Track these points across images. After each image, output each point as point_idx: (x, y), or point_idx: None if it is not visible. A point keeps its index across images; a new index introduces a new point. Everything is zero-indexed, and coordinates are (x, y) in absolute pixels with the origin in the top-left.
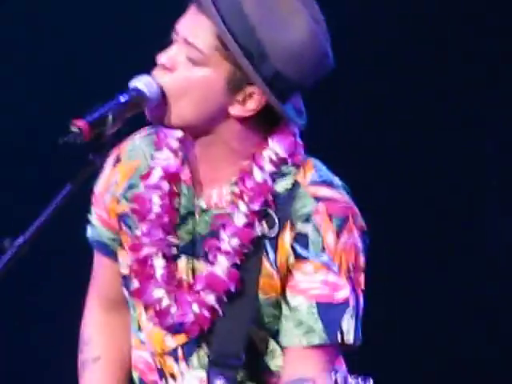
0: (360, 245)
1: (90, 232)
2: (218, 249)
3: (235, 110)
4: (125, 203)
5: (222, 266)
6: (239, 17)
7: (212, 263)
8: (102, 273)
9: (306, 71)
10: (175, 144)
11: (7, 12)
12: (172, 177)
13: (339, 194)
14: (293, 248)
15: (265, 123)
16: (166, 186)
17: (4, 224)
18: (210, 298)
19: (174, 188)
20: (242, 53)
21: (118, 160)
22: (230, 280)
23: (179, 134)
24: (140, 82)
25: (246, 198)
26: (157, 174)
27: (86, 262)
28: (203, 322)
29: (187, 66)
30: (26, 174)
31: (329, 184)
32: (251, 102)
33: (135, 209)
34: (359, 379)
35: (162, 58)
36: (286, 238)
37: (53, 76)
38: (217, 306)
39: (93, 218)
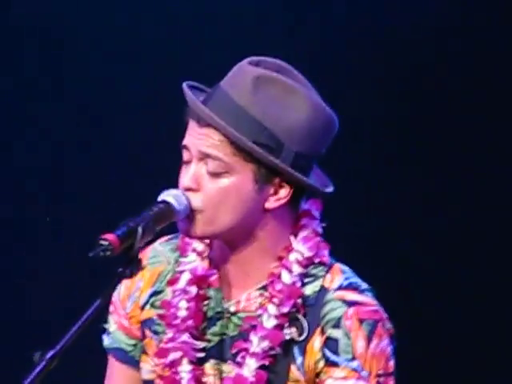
0: (389, 349)
1: (106, 341)
2: (247, 350)
3: (270, 203)
4: (150, 309)
5: (250, 368)
6: (245, 118)
7: (240, 365)
8: (119, 380)
9: (318, 141)
10: (201, 247)
11: None
12: (200, 280)
13: (367, 298)
14: (323, 353)
15: (292, 213)
16: (193, 289)
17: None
18: None
19: (202, 291)
20: (261, 150)
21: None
22: (258, 382)
23: (200, 247)
24: (169, 196)
25: (275, 301)
26: (184, 278)
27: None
28: None
29: (212, 179)
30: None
31: (356, 288)
32: (283, 190)
33: (162, 315)
34: None
35: (185, 181)
36: (316, 343)
37: None
38: None
39: (111, 326)
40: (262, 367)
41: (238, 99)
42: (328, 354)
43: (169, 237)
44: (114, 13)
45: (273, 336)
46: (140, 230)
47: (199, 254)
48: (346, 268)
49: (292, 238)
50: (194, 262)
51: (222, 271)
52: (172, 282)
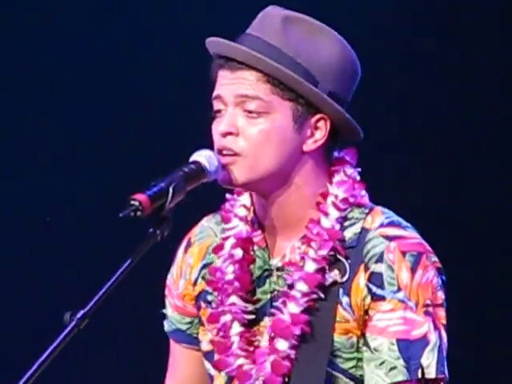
0: (436, 280)
1: (166, 326)
2: (287, 296)
3: (308, 145)
4: (201, 282)
5: (288, 312)
6: (279, 56)
7: (281, 310)
8: (181, 363)
9: (348, 83)
10: (243, 211)
11: None
12: (244, 242)
13: (409, 232)
14: (368, 288)
15: (327, 159)
16: (238, 252)
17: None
18: (282, 345)
19: (248, 253)
20: (301, 80)
21: (189, 244)
22: (298, 325)
23: (246, 201)
24: (200, 156)
25: (313, 245)
26: (229, 243)
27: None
28: (281, 370)
29: (252, 121)
30: (87, 244)
31: (397, 224)
32: (319, 131)
33: (210, 280)
34: None
35: (222, 126)
36: (361, 280)
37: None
38: (290, 353)
39: (168, 309)
40: (304, 311)
41: (269, 39)
42: (373, 288)
43: (213, 213)
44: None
45: (312, 279)
46: (171, 190)
47: (241, 218)
48: (386, 210)
49: (328, 183)
50: (238, 226)
51: (266, 230)
52: (217, 248)
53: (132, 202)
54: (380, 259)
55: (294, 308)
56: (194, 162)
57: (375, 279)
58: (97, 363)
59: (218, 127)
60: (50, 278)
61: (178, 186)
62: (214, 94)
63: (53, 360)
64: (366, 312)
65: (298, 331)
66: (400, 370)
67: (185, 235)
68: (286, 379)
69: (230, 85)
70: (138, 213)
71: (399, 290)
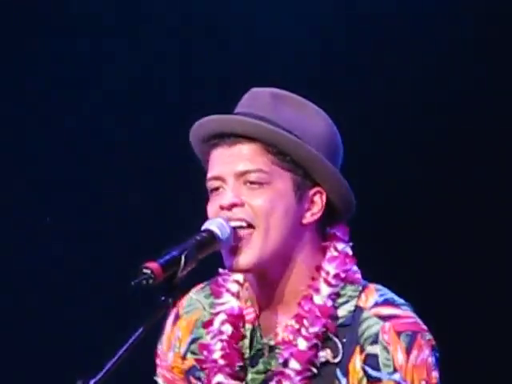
0: (431, 360)
1: None
2: (282, 374)
3: (306, 218)
4: (191, 357)
5: None
6: (276, 126)
7: None
8: None
9: (337, 155)
10: (235, 287)
11: None
12: (235, 319)
13: (403, 311)
14: (364, 371)
15: (321, 235)
16: (228, 329)
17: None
18: None
19: (239, 330)
20: (303, 144)
21: (177, 317)
22: None
23: (239, 277)
24: (212, 225)
25: (305, 322)
26: (219, 319)
27: None
28: None
29: (255, 192)
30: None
31: (391, 303)
32: (316, 205)
33: (199, 359)
34: None
35: (226, 199)
36: (357, 362)
37: None
38: None
39: (159, 379)
40: None
41: (263, 114)
42: (369, 370)
43: (201, 285)
44: None
45: (303, 357)
46: (183, 258)
47: (233, 294)
48: (380, 287)
49: (321, 259)
50: (229, 302)
51: (259, 307)
52: (207, 324)
53: (144, 271)
54: (375, 341)
55: None
56: (206, 231)
57: (371, 361)
58: None
59: (220, 201)
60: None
61: (190, 255)
62: (211, 175)
63: None
64: None
65: None
66: None
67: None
68: None
69: (229, 163)
70: (150, 281)
71: (395, 371)
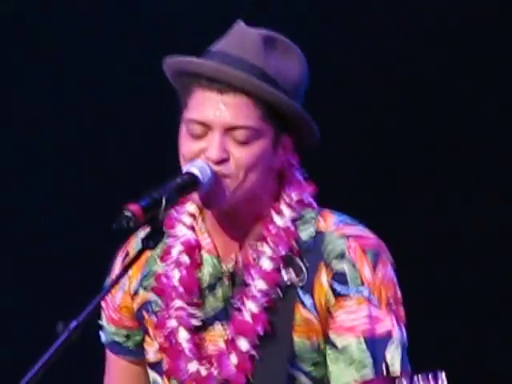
0: (394, 277)
1: (102, 336)
2: (245, 294)
3: (277, 163)
4: (143, 293)
5: (249, 311)
6: (265, 79)
7: (240, 310)
8: (118, 373)
9: (304, 95)
10: (189, 219)
11: None
12: (192, 249)
13: (365, 231)
14: (332, 287)
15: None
16: (186, 259)
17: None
18: (244, 344)
19: (195, 259)
20: (293, 103)
21: (127, 256)
22: (258, 323)
23: (191, 208)
24: (194, 167)
25: (271, 243)
26: (176, 249)
27: None
28: (245, 368)
29: (242, 147)
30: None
31: (351, 223)
32: (287, 150)
33: (156, 287)
34: (429, 375)
35: (213, 152)
36: (323, 279)
37: None
38: (252, 351)
39: (104, 321)
40: (263, 310)
41: (255, 62)
42: (337, 287)
43: None
44: None
45: (270, 277)
46: (164, 200)
47: (188, 226)
48: (335, 211)
49: (279, 185)
50: (184, 233)
51: (217, 236)
52: (164, 255)
53: (125, 213)
54: (341, 257)
55: (254, 307)
56: (188, 173)
57: (339, 278)
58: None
59: (205, 150)
60: (43, 286)
61: (171, 197)
62: (197, 117)
63: (45, 371)
64: (330, 312)
65: (259, 330)
66: (370, 368)
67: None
68: (249, 378)
69: (218, 111)
70: (131, 223)
71: (362, 286)
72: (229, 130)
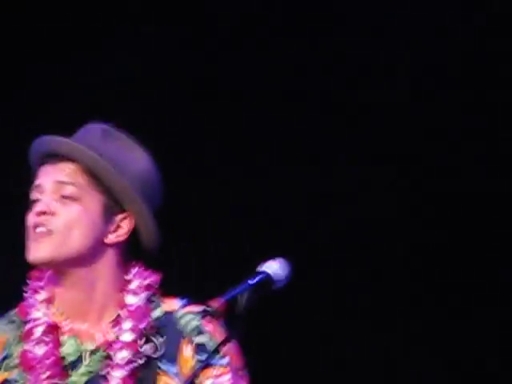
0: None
1: None
2: (110, 365)
3: (109, 238)
4: (3, 373)
5: (116, 378)
6: (101, 156)
7: (107, 379)
8: None
9: (154, 195)
10: (43, 307)
11: None
12: (53, 329)
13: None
14: (196, 359)
15: (126, 259)
16: (49, 337)
17: None
18: None
19: (57, 339)
20: (116, 173)
21: None
22: None
23: (43, 296)
24: (268, 268)
25: (130, 319)
26: (39, 329)
27: None
28: None
29: (66, 205)
30: None
31: (192, 303)
32: (122, 229)
33: (23, 363)
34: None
35: (39, 207)
36: (187, 351)
37: None
38: None
39: None
40: (128, 377)
41: (91, 145)
42: (201, 358)
43: (5, 314)
44: None
45: (131, 347)
46: (245, 297)
47: (45, 313)
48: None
49: (128, 276)
50: (44, 314)
51: (74, 318)
52: (26, 335)
53: (210, 306)
54: (200, 332)
55: (119, 374)
56: (263, 272)
57: (201, 349)
58: None
59: (34, 209)
60: None
61: (249, 294)
62: (34, 184)
63: None
64: (197, 378)
65: None
66: None
67: None
68: None
69: (50, 173)
70: (216, 314)
71: (223, 356)
72: (57, 189)
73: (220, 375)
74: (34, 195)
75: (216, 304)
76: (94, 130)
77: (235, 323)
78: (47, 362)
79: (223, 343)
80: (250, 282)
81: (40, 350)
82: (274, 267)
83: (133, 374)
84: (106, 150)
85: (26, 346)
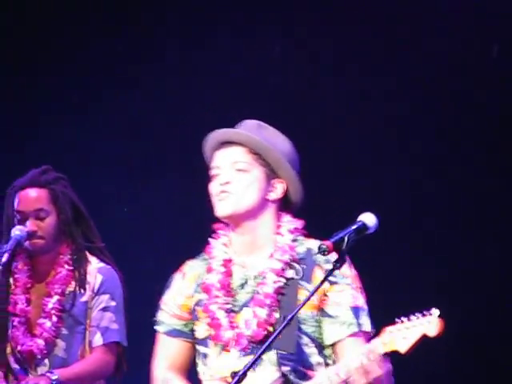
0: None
1: (161, 327)
2: (262, 283)
3: (271, 196)
4: (198, 295)
5: (263, 292)
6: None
7: (258, 293)
8: (174, 350)
9: (295, 164)
10: (223, 248)
11: None
12: (226, 263)
13: None
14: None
15: (279, 212)
16: (222, 269)
17: None
18: (261, 312)
19: (229, 269)
20: (273, 149)
21: (184, 275)
22: (269, 298)
23: (224, 240)
24: (363, 218)
25: (279, 252)
26: (215, 264)
27: None
28: (263, 327)
29: (240, 175)
30: None
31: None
32: (277, 190)
33: (204, 286)
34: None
35: (222, 178)
36: (319, 274)
37: None
38: (268, 318)
39: (163, 316)
40: (273, 292)
41: (253, 133)
42: (330, 278)
43: (195, 257)
44: None
45: (277, 271)
46: (346, 238)
47: (224, 244)
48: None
49: (279, 222)
50: (220, 253)
51: (243, 255)
52: (209, 268)
53: (322, 246)
54: (327, 261)
55: (267, 289)
56: (360, 221)
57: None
58: None
59: (217, 181)
60: None
61: (350, 236)
62: (213, 164)
63: None
64: (325, 294)
65: (269, 302)
66: (355, 324)
67: (177, 270)
68: (268, 336)
69: (226, 155)
70: (326, 252)
71: (346, 277)
72: (232, 165)
73: (343, 290)
74: (213, 171)
75: (327, 243)
76: (250, 123)
77: (340, 257)
78: (219, 285)
79: (340, 264)
80: (351, 227)
81: (215, 278)
82: (368, 218)
83: (277, 290)
84: (262, 136)
85: (208, 275)
